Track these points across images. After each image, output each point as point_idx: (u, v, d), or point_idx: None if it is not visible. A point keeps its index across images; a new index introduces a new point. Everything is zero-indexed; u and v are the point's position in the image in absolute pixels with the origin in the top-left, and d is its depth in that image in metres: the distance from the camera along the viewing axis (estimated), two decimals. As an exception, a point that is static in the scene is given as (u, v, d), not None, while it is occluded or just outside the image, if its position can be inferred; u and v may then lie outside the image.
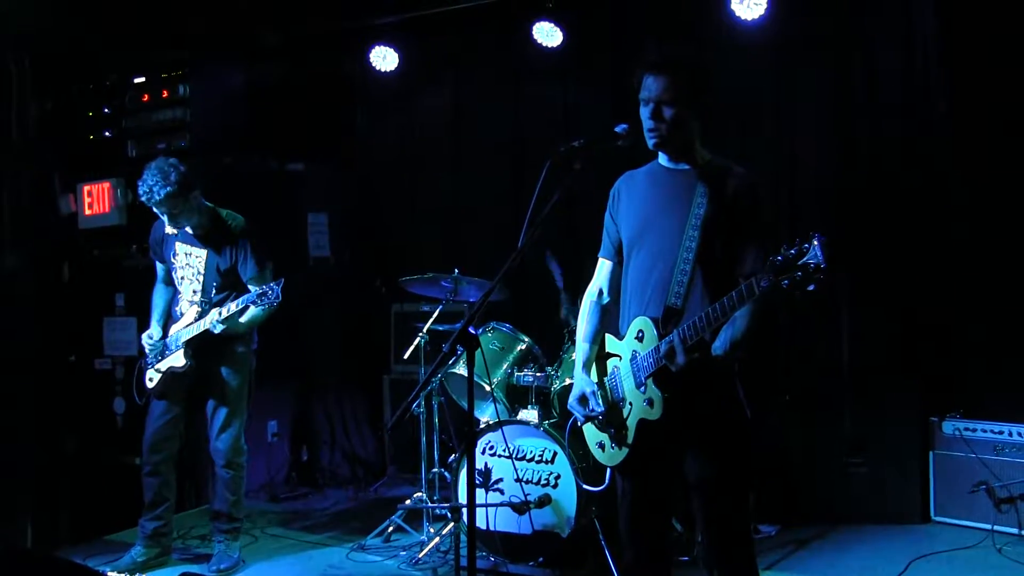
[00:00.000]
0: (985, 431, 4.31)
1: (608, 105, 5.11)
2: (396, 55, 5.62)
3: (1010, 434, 4.24)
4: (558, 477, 3.87)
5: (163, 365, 4.11)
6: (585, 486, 3.70)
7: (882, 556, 4.05)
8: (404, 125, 6.07)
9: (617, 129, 2.63)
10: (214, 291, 4.05)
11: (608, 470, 2.83)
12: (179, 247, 4.12)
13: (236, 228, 4.05)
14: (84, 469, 5.43)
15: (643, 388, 2.59)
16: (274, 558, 4.35)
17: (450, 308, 4.58)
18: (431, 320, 4.56)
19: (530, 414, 4.04)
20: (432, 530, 4.32)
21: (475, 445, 4.00)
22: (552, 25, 5.09)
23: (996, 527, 4.17)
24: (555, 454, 3.89)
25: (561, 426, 3.88)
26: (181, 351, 4.03)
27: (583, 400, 2.76)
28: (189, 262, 4.10)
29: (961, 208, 4.46)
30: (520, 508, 3.78)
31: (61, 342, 5.57)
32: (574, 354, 2.90)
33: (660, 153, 2.69)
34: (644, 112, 2.60)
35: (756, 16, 4.52)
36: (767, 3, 4.47)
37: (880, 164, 4.63)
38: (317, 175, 6.04)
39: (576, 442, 3.11)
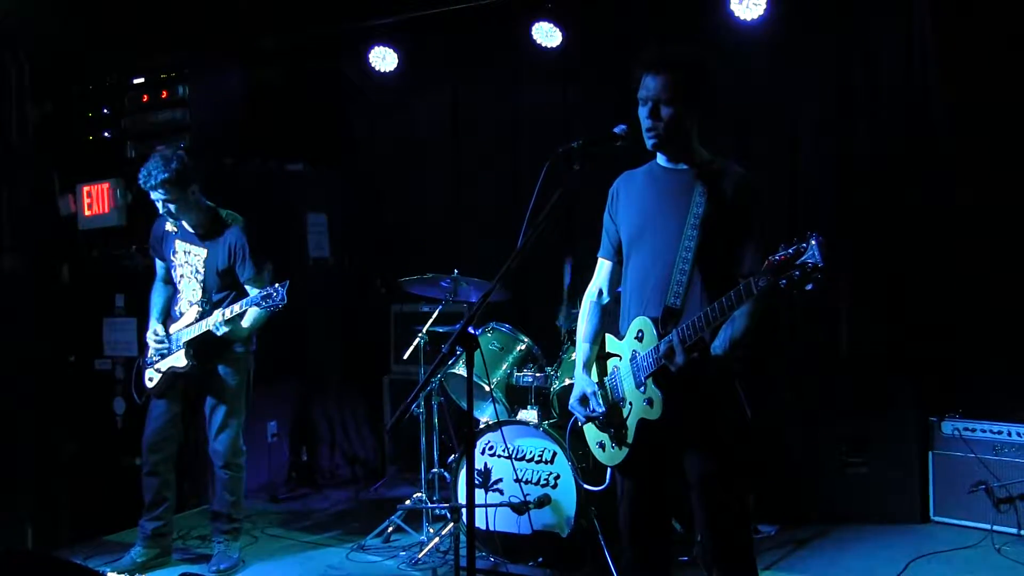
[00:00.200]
0: (984, 431, 4.31)
1: (608, 105, 5.10)
2: (396, 55, 5.62)
3: (1009, 434, 4.24)
4: (557, 477, 3.88)
5: (163, 365, 4.11)
6: (586, 486, 3.70)
7: (881, 556, 4.06)
8: (404, 125, 6.07)
9: (616, 130, 2.63)
10: (214, 291, 4.05)
11: (608, 470, 2.84)
12: (179, 245, 4.12)
13: (235, 228, 4.05)
14: (84, 469, 5.43)
15: (643, 388, 2.59)
16: (274, 558, 4.35)
17: (450, 308, 4.59)
18: (431, 320, 4.57)
19: (529, 414, 4.05)
20: (432, 530, 4.32)
21: (474, 445, 4.00)
22: (552, 25, 5.10)
23: (995, 527, 4.17)
24: (555, 454, 3.89)
25: (560, 426, 3.88)
26: (182, 351, 4.03)
27: (584, 401, 2.76)
28: (188, 260, 4.10)
29: (961, 208, 4.46)
30: (520, 508, 3.78)
31: (61, 342, 5.57)
32: (573, 354, 2.91)
33: (659, 153, 2.69)
34: (642, 111, 2.60)
35: (756, 16, 4.52)
36: (766, 3, 4.48)
37: (880, 164, 4.63)
38: (317, 175, 6.04)
39: (576, 443, 3.11)
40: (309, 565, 4.25)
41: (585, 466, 3.82)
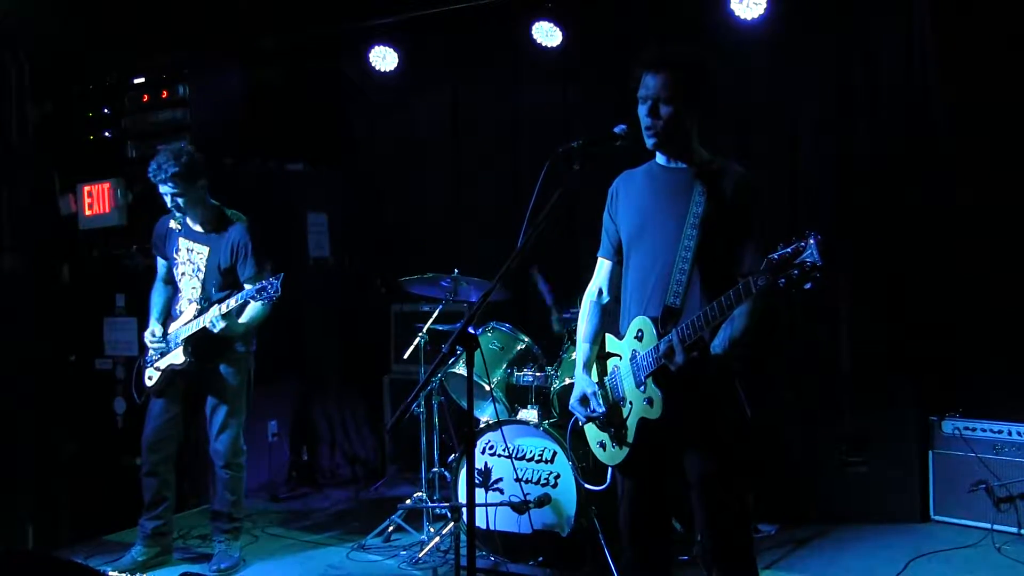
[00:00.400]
0: (984, 430, 4.31)
1: (608, 105, 5.09)
2: (396, 55, 5.62)
3: (1009, 433, 4.24)
4: (558, 477, 3.88)
5: (162, 363, 4.11)
6: (587, 485, 3.70)
7: (881, 555, 4.06)
8: (404, 125, 6.07)
9: (616, 129, 2.63)
10: (214, 289, 4.06)
11: (609, 469, 2.84)
12: (182, 243, 4.12)
13: (239, 227, 4.06)
14: (84, 469, 5.43)
15: (643, 387, 2.59)
16: (274, 558, 4.35)
17: (450, 308, 4.59)
18: (431, 320, 4.57)
19: (530, 414, 4.05)
20: (432, 530, 4.32)
21: (475, 445, 4.00)
22: (552, 25, 5.10)
23: (995, 526, 4.17)
24: (555, 454, 3.89)
25: (561, 426, 3.88)
26: (180, 348, 4.03)
27: (584, 401, 2.76)
28: (191, 258, 4.10)
29: (961, 208, 4.46)
30: (520, 508, 3.78)
31: (61, 342, 5.58)
32: (573, 354, 2.91)
33: (658, 152, 2.70)
34: (642, 110, 2.60)
35: (756, 16, 4.52)
36: (767, 3, 4.48)
37: (880, 164, 4.63)
38: (317, 175, 6.04)
39: (577, 442, 3.11)
40: (309, 564, 4.25)
41: (585, 465, 3.82)
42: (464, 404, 3.36)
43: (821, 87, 4.77)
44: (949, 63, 4.45)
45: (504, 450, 3.94)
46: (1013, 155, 4.31)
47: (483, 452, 4.03)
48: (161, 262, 4.28)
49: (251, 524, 4.72)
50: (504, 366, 4.31)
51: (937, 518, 4.41)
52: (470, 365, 2.43)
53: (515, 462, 3.92)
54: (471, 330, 2.41)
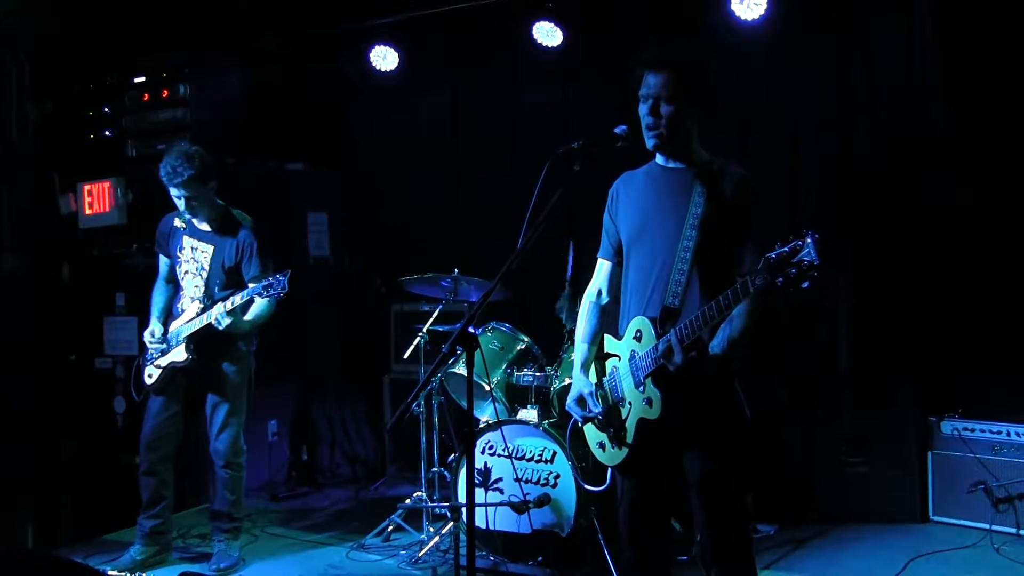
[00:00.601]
0: (983, 431, 4.31)
1: (608, 105, 5.09)
2: (396, 55, 5.62)
3: (1008, 434, 4.24)
4: (557, 477, 3.88)
5: (163, 361, 4.10)
6: (587, 486, 3.70)
7: (880, 555, 4.06)
8: (404, 125, 6.07)
9: (616, 130, 2.64)
10: (217, 288, 4.06)
11: (608, 470, 2.84)
12: (186, 241, 4.13)
13: (246, 226, 4.08)
14: (84, 468, 5.43)
15: (642, 388, 2.59)
16: (274, 557, 4.35)
17: (450, 308, 4.59)
18: (431, 320, 4.57)
19: (529, 414, 4.05)
20: (432, 529, 4.32)
21: (474, 445, 4.01)
22: (552, 25, 5.10)
23: (994, 527, 4.18)
24: (554, 454, 3.90)
25: (560, 426, 3.89)
26: (182, 346, 4.03)
27: (581, 401, 2.77)
28: (195, 257, 4.10)
29: (961, 208, 4.46)
30: (519, 507, 3.78)
31: (61, 341, 5.58)
32: (573, 354, 2.91)
33: (658, 153, 2.70)
34: (643, 108, 2.61)
35: (756, 16, 4.52)
36: (767, 3, 4.48)
37: (880, 164, 4.64)
38: (317, 175, 6.04)
39: (576, 442, 3.12)
40: (309, 564, 4.25)
41: (585, 465, 3.83)
42: (464, 404, 3.37)
43: (821, 87, 4.78)
44: (949, 63, 4.45)
45: (504, 450, 3.94)
46: (1013, 155, 4.31)
47: (483, 452, 4.03)
48: (163, 260, 4.28)
49: (251, 523, 4.73)
50: (504, 366, 4.32)
51: (936, 518, 4.42)
52: (470, 365, 2.43)
53: (515, 462, 3.93)
54: (471, 330, 2.41)
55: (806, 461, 4.65)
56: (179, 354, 4.04)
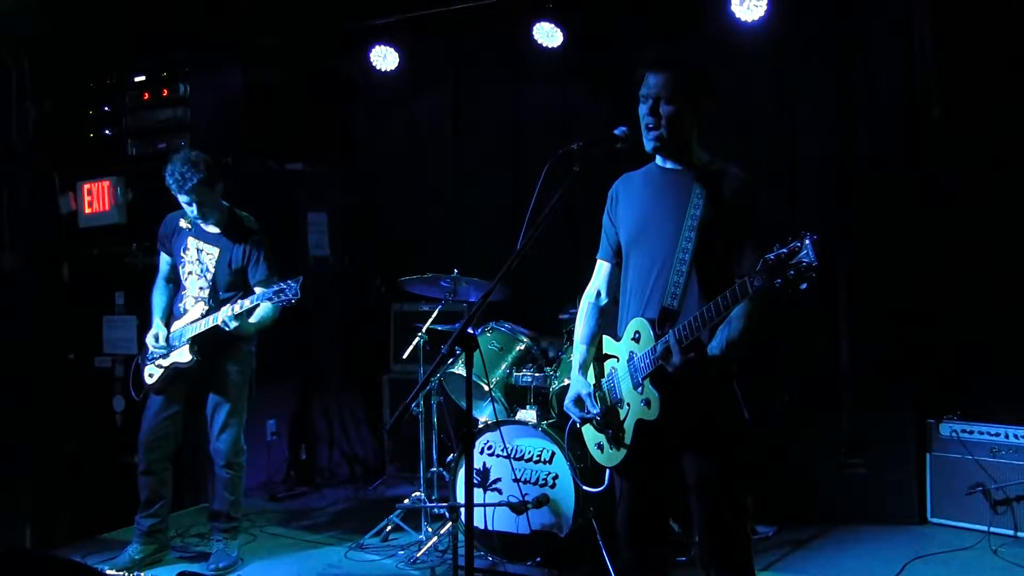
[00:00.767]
0: (982, 433, 4.31)
1: (608, 106, 5.11)
2: (396, 55, 5.62)
3: (1006, 436, 4.25)
4: (556, 477, 3.88)
5: (166, 361, 4.10)
6: (585, 488, 3.70)
7: (879, 557, 4.07)
8: (404, 125, 6.08)
9: (616, 131, 2.64)
10: (222, 291, 4.06)
11: (607, 471, 2.84)
12: (191, 242, 4.12)
13: (252, 230, 4.09)
14: (83, 467, 5.43)
15: (640, 389, 2.59)
16: (273, 557, 4.35)
17: (449, 308, 4.59)
18: (430, 320, 4.57)
19: (528, 414, 4.05)
20: (430, 529, 4.32)
21: (473, 445, 4.01)
22: (552, 25, 5.10)
23: (992, 529, 4.18)
24: (553, 454, 3.90)
25: (559, 426, 3.88)
26: (186, 347, 4.02)
27: (579, 402, 2.77)
28: (200, 258, 4.10)
29: (961, 209, 4.47)
30: (518, 508, 3.79)
31: (61, 340, 5.58)
32: (572, 355, 2.91)
33: (657, 155, 2.70)
34: (643, 108, 2.61)
35: (756, 18, 4.52)
36: (767, 4, 4.48)
37: (879, 165, 4.64)
38: (317, 174, 6.04)
39: (575, 443, 3.12)
40: (308, 564, 4.25)
41: (583, 466, 3.83)
42: (463, 404, 3.37)
43: (821, 88, 4.78)
44: (948, 64, 4.46)
45: (503, 450, 3.94)
46: (1013, 156, 4.31)
47: (482, 452, 4.04)
48: (165, 259, 4.27)
49: (249, 523, 4.72)
50: (503, 366, 4.32)
51: (934, 520, 4.42)
52: (469, 365, 2.43)
53: (513, 462, 3.93)
54: (470, 331, 2.42)
55: (805, 462, 4.65)
56: (183, 355, 4.04)
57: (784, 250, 2.23)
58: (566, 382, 4.01)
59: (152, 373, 4.15)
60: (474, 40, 5.60)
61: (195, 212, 3.99)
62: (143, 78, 5.43)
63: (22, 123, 5.31)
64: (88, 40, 5.35)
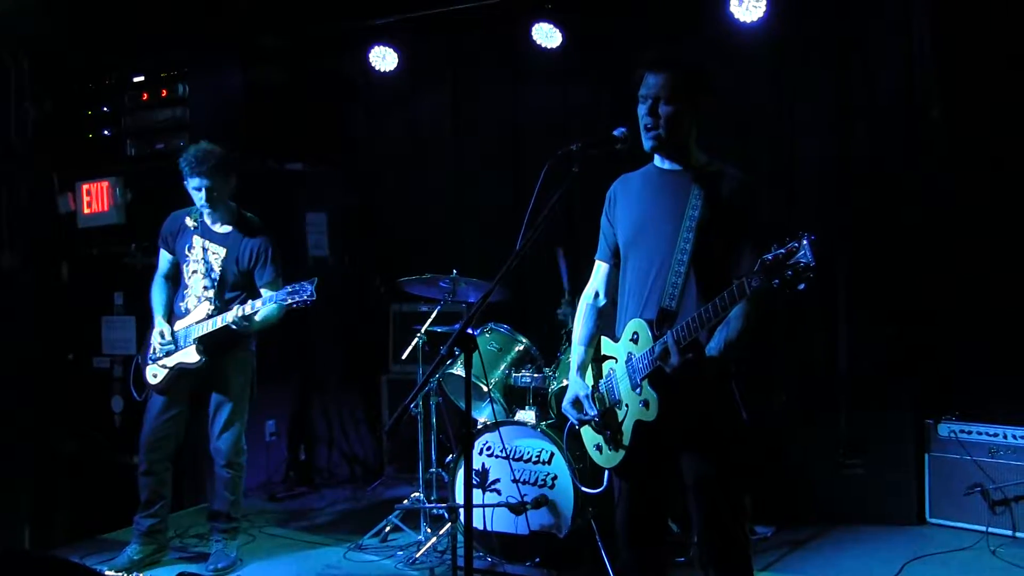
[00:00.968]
0: (980, 433, 4.32)
1: (607, 107, 5.12)
2: (396, 55, 5.62)
3: (1005, 436, 4.25)
4: (555, 478, 3.88)
5: (171, 361, 4.07)
6: (584, 488, 3.71)
7: (877, 557, 4.07)
8: (404, 125, 6.07)
9: (616, 132, 2.65)
10: (227, 291, 4.06)
11: (606, 472, 2.84)
12: (196, 241, 4.11)
13: (260, 231, 4.09)
14: (82, 468, 5.43)
15: (639, 390, 2.60)
16: (272, 557, 4.35)
17: (449, 308, 4.59)
18: (429, 320, 4.57)
19: (527, 415, 4.06)
20: (429, 530, 4.32)
21: (472, 446, 4.01)
22: (552, 26, 5.10)
23: (990, 529, 4.19)
24: (552, 455, 3.90)
25: (558, 427, 3.89)
26: (193, 347, 4.01)
27: (577, 404, 2.77)
28: (205, 257, 4.08)
29: (960, 210, 4.47)
30: (517, 508, 3.79)
31: (60, 341, 5.57)
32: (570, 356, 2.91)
33: (656, 155, 2.70)
34: (642, 109, 2.61)
35: (756, 18, 4.53)
36: (766, 5, 4.48)
37: (879, 165, 4.64)
38: (316, 175, 6.04)
39: (574, 443, 3.12)
40: (307, 564, 4.25)
41: (582, 467, 3.83)
42: (462, 405, 3.37)
43: (820, 89, 4.78)
44: (948, 64, 4.46)
45: (502, 451, 3.94)
46: (1013, 156, 4.31)
47: (481, 453, 4.04)
48: (165, 256, 4.25)
49: (248, 523, 4.72)
50: (502, 367, 4.32)
51: (933, 520, 4.43)
52: (468, 366, 2.43)
53: (512, 463, 3.93)
54: (470, 331, 2.42)
55: (804, 463, 4.66)
56: (190, 355, 4.02)
57: (782, 251, 2.23)
58: (565, 383, 4.01)
59: (156, 373, 4.12)
60: (474, 40, 5.60)
61: (203, 199, 3.94)
62: (142, 78, 5.43)
63: (22, 123, 5.30)
64: (88, 40, 5.34)
